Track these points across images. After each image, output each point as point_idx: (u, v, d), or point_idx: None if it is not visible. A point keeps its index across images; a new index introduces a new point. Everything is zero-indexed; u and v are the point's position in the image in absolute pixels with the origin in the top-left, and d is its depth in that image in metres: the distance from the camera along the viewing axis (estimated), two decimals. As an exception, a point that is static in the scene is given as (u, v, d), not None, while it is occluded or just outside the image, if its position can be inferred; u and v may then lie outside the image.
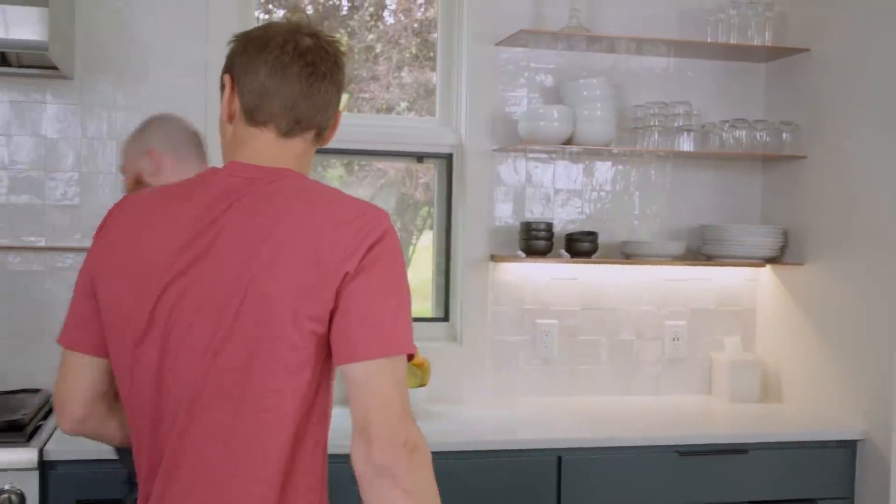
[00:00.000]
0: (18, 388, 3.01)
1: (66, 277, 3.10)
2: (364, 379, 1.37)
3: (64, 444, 2.50)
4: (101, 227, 1.54)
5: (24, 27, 2.59)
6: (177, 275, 1.43)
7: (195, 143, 2.26)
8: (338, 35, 1.67)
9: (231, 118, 1.53)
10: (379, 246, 1.40)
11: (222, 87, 1.55)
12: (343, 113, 3.49)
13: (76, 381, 1.54)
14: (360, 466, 1.38)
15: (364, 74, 3.53)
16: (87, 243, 2.65)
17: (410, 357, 1.43)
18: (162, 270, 1.43)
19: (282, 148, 1.51)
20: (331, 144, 3.37)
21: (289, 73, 1.48)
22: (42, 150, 3.09)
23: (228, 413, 1.40)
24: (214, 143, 2.55)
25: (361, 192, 3.49)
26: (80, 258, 3.03)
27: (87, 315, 1.52)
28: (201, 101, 3.16)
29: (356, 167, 3.52)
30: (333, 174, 3.50)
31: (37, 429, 2.60)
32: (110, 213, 1.53)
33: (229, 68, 1.53)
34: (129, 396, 1.48)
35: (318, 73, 1.50)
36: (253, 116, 1.50)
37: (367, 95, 3.55)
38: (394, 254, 1.42)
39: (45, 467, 2.46)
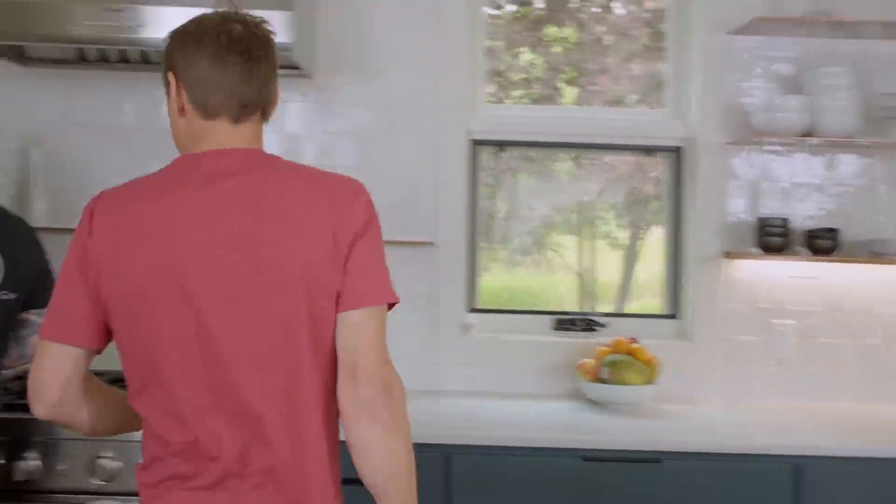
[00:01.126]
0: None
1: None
2: (358, 323, 1.55)
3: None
4: (88, 221, 1.60)
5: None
6: (198, 256, 1.53)
7: None
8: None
9: (182, 111, 1.62)
10: (369, 211, 1.59)
11: (167, 83, 1.63)
12: (572, 106, 3.47)
13: (54, 369, 1.62)
14: (345, 402, 1.56)
15: (593, 67, 3.49)
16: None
17: (391, 306, 1.61)
18: (182, 253, 1.53)
19: (238, 134, 1.62)
20: (558, 138, 3.32)
21: (228, 63, 1.58)
22: (286, 146, 3.24)
23: (278, 376, 1.56)
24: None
25: (590, 185, 3.45)
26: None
27: (72, 306, 1.59)
28: (434, 96, 3.22)
29: (584, 161, 3.49)
30: (561, 168, 3.48)
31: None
32: (95, 207, 1.60)
33: (171, 65, 1.62)
34: (162, 370, 1.56)
35: (254, 58, 1.60)
36: (205, 110, 1.60)
37: (596, 88, 3.51)
38: (376, 218, 1.61)
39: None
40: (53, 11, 2.68)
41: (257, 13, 2.55)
